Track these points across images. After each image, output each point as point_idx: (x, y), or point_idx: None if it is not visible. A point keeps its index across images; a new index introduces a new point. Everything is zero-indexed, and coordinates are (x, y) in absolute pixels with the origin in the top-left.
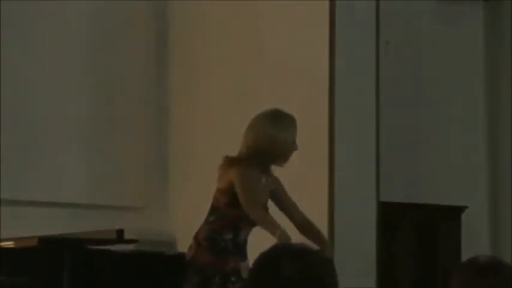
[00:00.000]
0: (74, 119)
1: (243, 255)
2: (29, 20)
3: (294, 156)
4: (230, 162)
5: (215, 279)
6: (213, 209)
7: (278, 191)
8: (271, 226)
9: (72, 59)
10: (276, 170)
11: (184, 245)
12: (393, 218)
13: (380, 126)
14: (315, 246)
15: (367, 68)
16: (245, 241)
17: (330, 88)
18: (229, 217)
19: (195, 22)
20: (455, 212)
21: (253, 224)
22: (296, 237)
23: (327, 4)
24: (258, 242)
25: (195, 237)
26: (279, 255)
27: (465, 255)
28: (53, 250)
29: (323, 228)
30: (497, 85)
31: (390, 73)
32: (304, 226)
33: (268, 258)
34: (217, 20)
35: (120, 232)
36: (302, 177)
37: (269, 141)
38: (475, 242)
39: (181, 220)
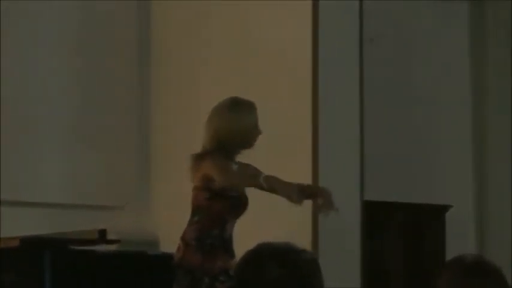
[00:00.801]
0: (54, 119)
1: (231, 253)
2: (11, 21)
3: (277, 155)
4: (199, 157)
5: (205, 279)
6: (195, 209)
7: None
8: (253, 177)
9: (54, 60)
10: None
11: (166, 244)
12: (377, 217)
13: (364, 124)
14: (300, 245)
15: (351, 66)
16: (231, 236)
17: (314, 86)
18: (212, 211)
19: (178, 22)
20: (439, 211)
21: (236, 215)
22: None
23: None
24: (245, 239)
25: (183, 239)
26: (263, 255)
27: (450, 255)
28: (34, 250)
29: (307, 227)
30: (484, 84)
31: (377, 71)
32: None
33: (252, 257)
34: (201, 18)
35: (102, 232)
36: (285, 176)
37: (230, 129)
38: (460, 241)
39: (163, 219)
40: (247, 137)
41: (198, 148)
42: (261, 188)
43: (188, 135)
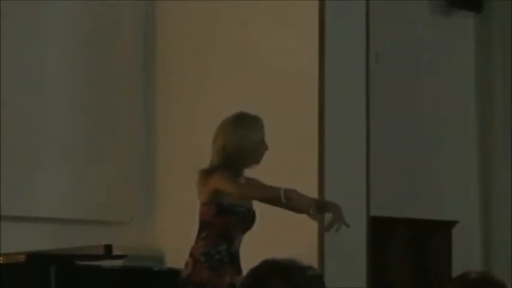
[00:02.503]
0: (58, 134)
1: (238, 269)
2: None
3: (283, 170)
4: (207, 173)
5: None
6: (203, 225)
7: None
8: (272, 189)
9: (58, 74)
10: None
11: (172, 260)
12: (384, 233)
13: (371, 140)
14: (304, 262)
15: (357, 80)
16: (238, 251)
17: (320, 99)
18: (221, 227)
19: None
20: (446, 227)
21: (244, 230)
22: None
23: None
24: (250, 255)
25: (191, 255)
26: (268, 271)
27: (456, 271)
28: (41, 266)
29: (313, 242)
30: (490, 98)
31: (382, 85)
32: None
33: (256, 274)
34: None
35: (108, 247)
36: None
37: (236, 143)
38: (466, 257)
39: (168, 235)
40: (253, 152)
41: (203, 163)
42: (275, 201)
43: (193, 150)
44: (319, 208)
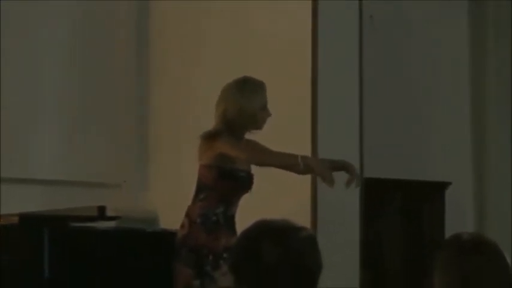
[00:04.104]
0: (52, 97)
1: (233, 231)
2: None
3: (276, 135)
4: (212, 136)
5: (209, 258)
6: (202, 186)
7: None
8: (289, 157)
9: (54, 41)
10: None
11: (165, 221)
12: (377, 194)
13: (364, 103)
14: (297, 223)
15: (351, 44)
16: (234, 214)
17: (313, 64)
18: (220, 190)
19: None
20: (439, 188)
21: (242, 194)
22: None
23: None
24: (243, 219)
25: (187, 216)
26: (261, 232)
27: (449, 232)
28: (34, 227)
29: (306, 205)
30: (482, 62)
31: (376, 50)
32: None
33: (249, 235)
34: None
35: (102, 209)
36: None
37: (237, 108)
38: (460, 218)
39: (161, 197)
40: (254, 118)
41: (197, 126)
42: (288, 167)
43: (186, 114)
44: (334, 169)
